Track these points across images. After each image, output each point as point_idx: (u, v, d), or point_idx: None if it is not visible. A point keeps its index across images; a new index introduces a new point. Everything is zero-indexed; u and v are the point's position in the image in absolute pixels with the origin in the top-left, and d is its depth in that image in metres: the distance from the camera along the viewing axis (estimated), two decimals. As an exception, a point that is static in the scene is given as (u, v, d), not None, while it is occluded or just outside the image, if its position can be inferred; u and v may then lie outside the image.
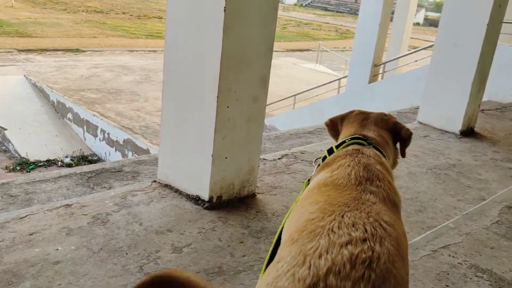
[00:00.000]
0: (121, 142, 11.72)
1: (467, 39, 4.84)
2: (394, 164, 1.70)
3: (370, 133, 1.62)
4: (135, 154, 10.79)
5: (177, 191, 2.96)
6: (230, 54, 2.56)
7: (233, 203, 2.91)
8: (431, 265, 2.33)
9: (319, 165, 1.52)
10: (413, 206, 3.16)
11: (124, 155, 11.40)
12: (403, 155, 1.75)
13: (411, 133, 1.77)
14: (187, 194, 2.90)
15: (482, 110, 6.45)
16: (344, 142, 1.54)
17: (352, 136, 1.56)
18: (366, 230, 1.02)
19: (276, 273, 0.96)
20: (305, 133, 5.53)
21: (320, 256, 0.95)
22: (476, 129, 5.47)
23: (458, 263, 2.42)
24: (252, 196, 3.05)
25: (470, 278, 2.29)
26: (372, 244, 0.98)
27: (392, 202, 1.23)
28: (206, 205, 2.80)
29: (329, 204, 1.14)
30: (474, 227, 2.82)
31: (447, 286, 2.21)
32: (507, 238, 2.73)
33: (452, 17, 5.02)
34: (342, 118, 1.82)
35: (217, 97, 2.59)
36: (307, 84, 16.81)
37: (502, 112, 6.78)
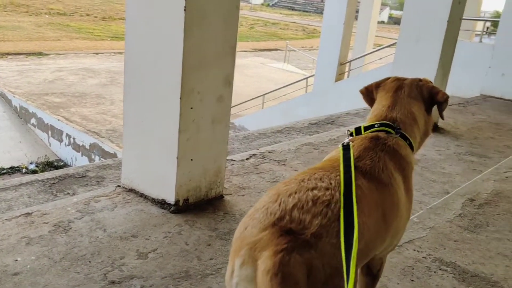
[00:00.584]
0: (87, 147, 11.47)
1: (428, 36, 4.94)
2: (427, 134, 1.75)
3: (400, 113, 1.64)
4: (102, 159, 10.58)
5: (142, 195, 2.90)
6: (192, 53, 2.53)
7: (200, 205, 2.87)
8: (396, 261, 2.36)
9: (351, 135, 1.59)
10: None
11: (91, 160, 11.15)
12: (442, 117, 1.79)
13: (447, 97, 1.78)
14: (153, 198, 2.84)
15: (445, 105, 6.60)
16: (373, 126, 1.59)
17: (381, 122, 1.60)
18: (331, 183, 1.22)
19: (255, 208, 1.17)
20: (274, 132, 5.53)
21: (289, 195, 1.15)
22: (440, 124, 5.58)
23: (423, 257, 2.45)
24: (220, 197, 3.01)
25: (435, 272, 2.32)
26: (333, 192, 1.18)
27: (375, 178, 1.37)
28: (172, 208, 2.75)
29: (310, 169, 1.34)
30: (438, 221, 2.87)
31: (412, 280, 2.23)
32: (469, 230, 2.78)
33: (414, 15, 5.11)
34: (377, 86, 1.81)
35: (180, 98, 2.55)
36: (275, 84, 16.89)
37: (464, 107, 6.96)
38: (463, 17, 5.23)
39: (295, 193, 1.16)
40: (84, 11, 36.26)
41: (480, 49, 9.26)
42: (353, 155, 1.42)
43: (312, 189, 1.18)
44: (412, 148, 1.60)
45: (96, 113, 13.42)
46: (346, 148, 1.46)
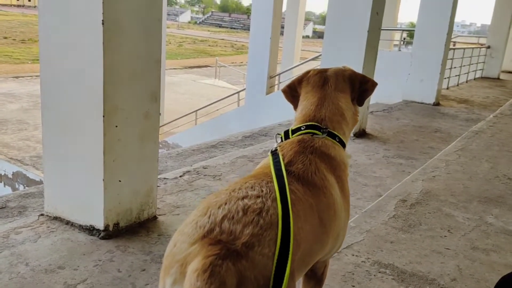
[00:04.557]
0: (10, 176, 10.72)
1: (350, 46, 5.10)
2: (354, 123, 1.71)
3: (328, 110, 1.61)
4: (27, 187, 9.93)
5: (68, 223, 2.70)
6: (114, 69, 2.40)
7: (133, 228, 2.72)
8: (337, 267, 2.34)
9: (281, 140, 1.57)
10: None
11: (14, 189, 10.42)
12: (362, 104, 1.73)
13: (376, 84, 1.75)
14: (80, 225, 2.65)
15: (371, 112, 6.87)
16: (300, 128, 1.56)
17: (307, 124, 1.56)
18: (262, 191, 1.18)
19: (185, 222, 1.12)
20: (208, 147, 5.45)
21: (219, 207, 1.11)
22: (368, 130, 5.78)
23: (362, 261, 2.46)
24: (153, 219, 2.88)
25: (374, 275, 2.33)
26: (264, 200, 1.14)
27: (308, 182, 1.34)
28: (101, 234, 2.58)
29: (242, 179, 1.29)
30: (373, 224, 2.91)
31: (353, 286, 2.22)
32: (404, 231, 2.85)
33: (336, 26, 5.27)
34: (300, 81, 1.74)
35: (103, 116, 2.40)
36: (207, 99, 16.82)
37: (389, 113, 7.27)
38: (382, 28, 5.47)
39: (225, 204, 1.12)
40: (1, 33, 34.36)
41: (400, 58, 9.78)
42: (285, 160, 1.39)
43: (243, 198, 1.14)
44: (343, 144, 1.59)
45: (18, 139, 12.67)
46: (275, 153, 1.42)
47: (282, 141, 1.56)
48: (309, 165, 1.40)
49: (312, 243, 1.26)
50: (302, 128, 1.56)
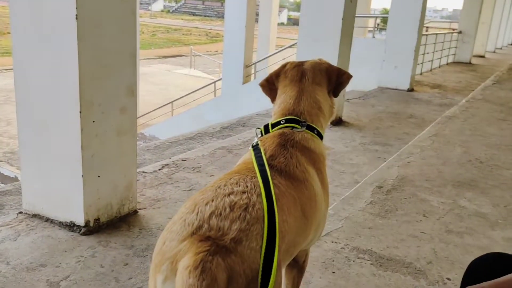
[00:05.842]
0: (-18, 173, 10.47)
1: (326, 34, 5.14)
2: (331, 115, 1.74)
3: (307, 103, 1.64)
4: (2, 184, 9.73)
5: (47, 220, 2.68)
6: (89, 64, 2.38)
7: (114, 223, 2.72)
8: (317, 254, 2.40)
9: (261, 134, 1.60)
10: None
11: (-12, 187, 10.20)
12: (337, 95, 1.77)
13: (351, 77, 1.79)
14: (60, 222, 2.63)
15: (347, 99, 6.95)
16: (279, 122, 1.59)
17: (287, 118, 1.59)
18: (247, 186, 1.20)
19: (173, 220, 1.14)
20: (186, 139, 5.44)
21: (206, 204, 1.13)
22: (344, 117, 5.85)
23: (341, 248, 2.52)
24: (134, 213, 2.88)
25: (354, 261, 2.40)
26: (249, 195, 1.17)
27: (290, 175, 1.38)
28: (82, 230, 2.57)
29: (226, 174, 1.31)
30: (351, 211, 2.98)
31: (334, 272, 2.29)
32: (381, 216, 2.92)
33: (311, 15, 5.30)
34: (277, 75, 1.76)
35: (80, 112, 2.38)
36: (183, 90, 16.68)
37: (364, 100, 7.37)
38: (356, 15, 5.52)
39: (212, 200, 1.14)
40: (-34, 25, 33.22)
41: (374, 44, 9.88)
42: (267, 154, 1.42)
43: (229, 194, 1.16)
44: (321, 136, 1.62)
45: (-11, 135, 12.33)
46: (256, 148, 1.45)
47: (262, 135, 1.59)
48: (290, 159, 1.43)
49: (295, 235, 1.30)
50: (281, 122, 1.58)
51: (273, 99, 1.76)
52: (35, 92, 2.55)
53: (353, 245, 2.55)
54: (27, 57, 2.52)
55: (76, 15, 2.25)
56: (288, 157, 1.44)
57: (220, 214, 1.10)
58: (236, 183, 1.22)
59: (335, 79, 1.74)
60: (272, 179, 1.26)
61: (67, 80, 2.38)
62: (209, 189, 1.20)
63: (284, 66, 1.78)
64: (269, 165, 1.35)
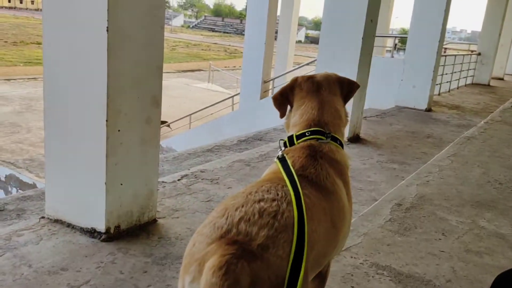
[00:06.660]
0: (2, 179, 10.65)
1: (346, 53, 5.18)
2: (347, 123, 1.77)
3: (329, 114, 1.65)
4: (20, 190, 9.88)
5: (69, 225, 2.73)
6: (118, 75, 2.44)
7: (133, 231, 2.76)
8: (336, 269, 2.40)
9: (284, 145, 1.61)
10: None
11: (7, 193, 10.34)
12: (345, 104, 1.79)
13: (359, 86, 1.84)
14: (81, 228, 2.68)
15: (365, 117, 6.95)
16: (304, 134, 1.60)
17: (312, 130, 1.60)
18: (277, 194, 1.23)
19: (203, 224, 1.17)
20: (204, 151, 5.49)
21: (236, 209, 1.16)
22: (361, 135, 5.86)
23: (360, 263, 2.52)
24: (153, 221, 2.91)
25: (373, 276, 2.39)
26: (279, 203, 1.19)
27: (321, 186, 1.41)
28: (103, 237, 2.61)
29: (258, 182, 1.34)
30: (370, 227, 2.97)
31: (353, 287, 2.28)
32: (400, 234, 2.91)
33: (331, 33, 5.35)
34: (292, 88, 1.76)
35: (107, 120, 2.44)
36: (201, 103, 16.84)
37: (382, 118, 7.36)
38: (376, 34, 5.56)
39: (242, 206, 1.17)
40: (-8, 36, 34.13)
41: (393, 64, 9.89)
42: (297, 165, 1.44)
43: (259, 201, 1.19)
44: (342, 146, 1.65)
45: (11, 142, 12.60)
46: (282, 160, 1.47)
47: (286, 147, 1.61)
48: (320, 170, 1.46)
49: (325, 245, 1.33)
50: (306, 134, 1.60)
51: (282, 114, 1.78)
52: (63, 100, 2.62)
53: (372, 261, 2.54)
54: (57, 67, 2.60)
55: (107, 27, 2.33)
56: (318, 168, 1.46)
57: (249, 219, 1.12)
58: (267, 191, 1.24)
59: (346, 88, 1.78)
60: (302, 189, 1.28)
61: (95, 89, 2.45)
62: (240, 195, 1.23)
63: (295, 80, 1.79)
64: (299, 175, 1.37)
